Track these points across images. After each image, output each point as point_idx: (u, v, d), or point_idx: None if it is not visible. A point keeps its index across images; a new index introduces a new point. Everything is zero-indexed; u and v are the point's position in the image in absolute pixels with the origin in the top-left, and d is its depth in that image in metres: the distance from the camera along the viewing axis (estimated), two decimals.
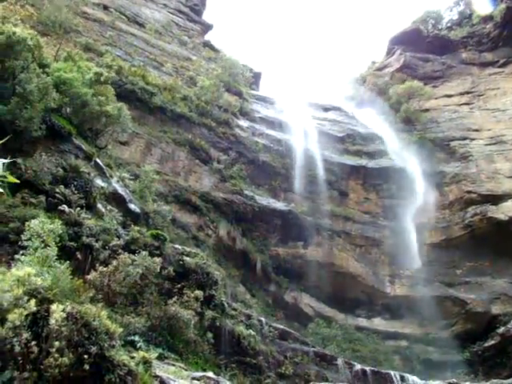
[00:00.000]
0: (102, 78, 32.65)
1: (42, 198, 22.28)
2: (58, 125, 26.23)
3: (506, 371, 37.90)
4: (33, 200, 21.87)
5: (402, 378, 28.39)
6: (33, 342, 10.04)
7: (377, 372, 29.56)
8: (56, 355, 10.04)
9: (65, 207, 22.24)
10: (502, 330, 41.25)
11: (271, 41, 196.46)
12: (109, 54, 46.71)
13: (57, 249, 15.07)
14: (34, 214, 19.17)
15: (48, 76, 26.50)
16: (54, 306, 10.64)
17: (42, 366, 9.97)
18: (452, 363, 41.02)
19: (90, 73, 32.10)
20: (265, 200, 46.12)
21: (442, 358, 41.91)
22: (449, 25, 70.28)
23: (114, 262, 20.98)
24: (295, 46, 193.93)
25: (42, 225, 15.77)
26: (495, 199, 47.93)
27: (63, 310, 10.65)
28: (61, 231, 16.78)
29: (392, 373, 29.42)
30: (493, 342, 41.38)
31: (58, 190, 22.97)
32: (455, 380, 21.26)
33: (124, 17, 58.09)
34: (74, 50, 38.23)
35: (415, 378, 28.98)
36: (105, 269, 20.37)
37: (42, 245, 15.07)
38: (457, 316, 44.75)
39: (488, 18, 63.83)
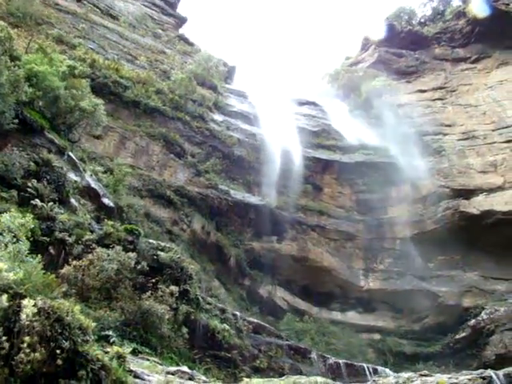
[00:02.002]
0: (75, 72, 32.27)
1: (14, 192, 22.00)
2: (30, 118, 25.90)
3: (475, 363, 38.56)
4: (4, 194, 21.60)
5: (375, 371, 28.66)
6: (4, 338, 9.92)
7: (350, 365, 29.81)
8: (27, 351, 9.93)
9: (37, 202, 22.00)
10: (472, 322, 41.93)
11: (246, 35, 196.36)
12: (82, 46, 46.19)
13: (29, 243, 14.88)
14: (5, 208, 18.90)
15: (19, 68, 26.10)
16: (25, 301, 10.53)
17: (13, 362, 9.85)
18: (424, 355, 41.65)
19: (63, 66, 31.69)
20: (239, 194, 46.13)
21: (415, 351, 42.50)
22: (422, 20, 70.90)
23: (89, 257, 20.86)
24: (270, 41, 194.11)
25: (13, 219, 15.56)
26: (467, 194, 48.57)
27: (35, 305, 10.54)
28: (32, 225, 16.58)
29: (365, 365, 29.71)
30: (464, 334, 42.05)
31: (29, 185, 22.71)
32: (427, 372, 21.50)
33: (97, 9, 57.46)
34: (46, 42, 37.71)
35: (388, 371, 29.30)
36: (79, 263, 20.23)
37: (14, 240, 14.88)
38: (429, 309, 45.37)
39: (461, 14, 64.47)
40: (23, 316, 10.27)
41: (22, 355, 9.86)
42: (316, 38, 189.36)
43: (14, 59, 26.85)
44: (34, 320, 10.37)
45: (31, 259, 14.08)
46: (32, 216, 17.89)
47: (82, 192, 27.53)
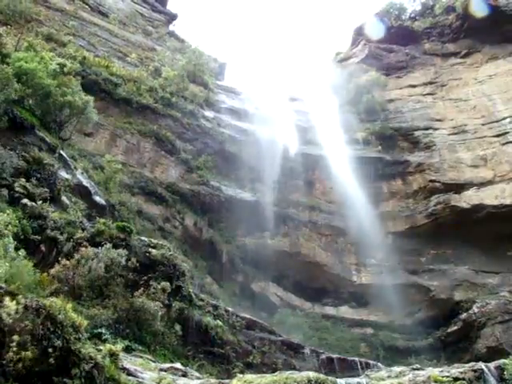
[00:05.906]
0: (65, 69, 32.16)
1: (4, 191, 21.92)
2: (20, 116, 25.83)
3: (467, 356, 38.67)
4: None
5: (367, 365, 28.71)
6: None
7: (343, 359, 29.86)
8: (15, 349, 9.91)
9: (27, 200, 21.94)
10: (464, 315, 42.08)
11: (237, 31, 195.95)
12: (72, 44, 46.00)
13: (14, 241, 14.87)
14: None
15: (9, 66, 25.98)
16: (5, 300, 10.47)
17: (4, 361, 9.84)
18: (416, 349, 41.78)
19: (53, 63, 31.57)
20: (231, 190, 46.16)
21: (407, 345, 42.61)
22: (412, 15, 70.90)
23: (76, 256, 20.80)
24: (261, 37, 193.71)
25: None
26: (458, 188, 48.69)
27: (18, 303, 10.50)
28: (18, 222, 16.54)
29: (357, 360, 29.78)
30: (455, 327, 42.22)
31: (20, 183, 22.64)
32: (418, 365, 21.62)
33: (87, 6, 57.24)
34: (36, 40, 37.52)
35: (380, 365, 29.37)
36: (67, 262, 20.18)
37: (5, 239, 14.87)
38: (421, 303, 45.59)
39: (450, 9, 64.46)
40: (4, 315, 10.22)
41: (11, 354, 9.85)
42: (307, 34, 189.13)
43: (3, 57, 26.77)
44: (22, 318, 10.35)
45: (21, 258, 14.09)
46: (15, 213, 17.89)
47: (74, 190, 27.49)
